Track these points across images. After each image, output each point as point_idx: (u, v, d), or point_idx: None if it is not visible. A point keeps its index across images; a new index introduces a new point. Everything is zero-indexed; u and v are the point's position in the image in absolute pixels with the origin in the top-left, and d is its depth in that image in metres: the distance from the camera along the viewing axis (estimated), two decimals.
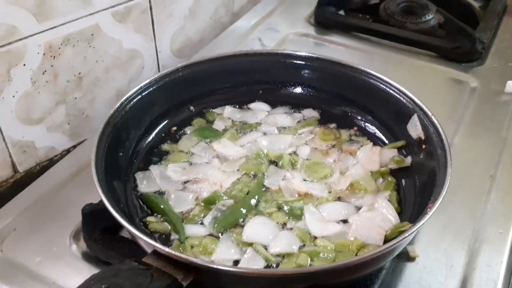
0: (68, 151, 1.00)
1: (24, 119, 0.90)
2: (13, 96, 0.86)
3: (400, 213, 0.73)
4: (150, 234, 0.69)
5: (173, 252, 0.54)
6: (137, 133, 0.82)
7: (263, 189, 0.76)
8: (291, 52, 0.92)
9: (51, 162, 0.98)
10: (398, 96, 0.81)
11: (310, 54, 0.90)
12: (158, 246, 0.55)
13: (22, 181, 0.93)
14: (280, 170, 0.79)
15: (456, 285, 0.70)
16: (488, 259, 0.73)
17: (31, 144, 0.93)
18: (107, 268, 0.52)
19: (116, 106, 0.76)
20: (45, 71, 0.90)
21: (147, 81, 0.82)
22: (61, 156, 0.99)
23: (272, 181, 0.77)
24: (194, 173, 0.78)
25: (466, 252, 0.74)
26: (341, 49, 1.19)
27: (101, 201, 0.71)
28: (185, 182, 0.78)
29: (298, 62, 0.90)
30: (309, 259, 0.65)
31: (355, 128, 0.88)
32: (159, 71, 1.14)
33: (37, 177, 0.92)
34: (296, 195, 0.74)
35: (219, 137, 0.85)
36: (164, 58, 1.15)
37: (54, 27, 0.88)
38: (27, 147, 0.93)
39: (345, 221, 0.72)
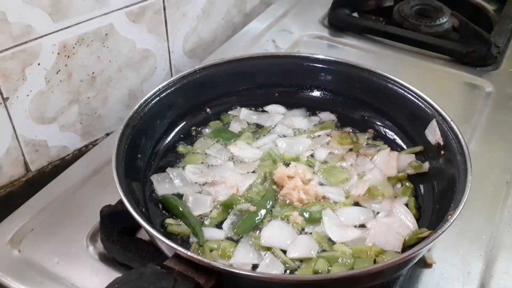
0: (80, 150, 1.01)
1: (38, 118, 0.90)
2: (27, 95, 0.87)
3: (418, 219, 0.73)
4: (169, 236, 0.69)
5: (195, 256, 0.54)
6: (155, 135, 0.82)
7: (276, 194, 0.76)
8: (309, 54, 0.91)
9: (63, 162, 0.98)
10: (417, 101, 0.81)
11: (327, 57, 0.90)
12: (180, 249, 0.55)
13: (34, 180, 0.94)
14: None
15: None
16: (505, 266, 0.73)
17: (44, 143, 0.94)
18: (131, 272, 0.52)
19: (135, 107, 0.76)
20: (59, 70, 0.90)
21: (165, 83, 0.82)
22: (73, 156, 1.00)
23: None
24: (211, 176, 0.78)
25: (483, 259, 0.74)
26: (354, 52, 1.19)
27: (119, 203, 0.72)
28: (202, 185, 0.78)
29: (315, 65, 0.90)
30: (327, 264, 0.65)
31: (370, 130, 0.88)
32: (171, 71, 1.15)
33: (49, 176, 0.93)
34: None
35: (235, 139, 0.85)
36: (177, 58, 1.15)
37: (69, 27, 0.89)
38: (39, 146, 0.93)
39: (363, 226, 0.72)
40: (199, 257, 0.54)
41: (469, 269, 0.73)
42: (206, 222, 0.72)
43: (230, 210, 0.73)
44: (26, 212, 0.80)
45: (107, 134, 1.05)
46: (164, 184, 0.77)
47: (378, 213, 0.74)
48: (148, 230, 0.59)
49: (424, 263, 0.73)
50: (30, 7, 0.81)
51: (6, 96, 0.84)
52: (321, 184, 0.78)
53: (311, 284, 0.56)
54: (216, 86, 0.89)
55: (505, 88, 1.08)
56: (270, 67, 0.91)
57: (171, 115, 0.84)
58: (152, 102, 0.80)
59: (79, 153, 1.01)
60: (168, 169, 0.80)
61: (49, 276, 0.70)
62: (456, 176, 0.69)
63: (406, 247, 0.68)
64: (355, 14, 1.32)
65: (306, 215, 0.72)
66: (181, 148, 0.84)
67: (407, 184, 0.78)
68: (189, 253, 0.55)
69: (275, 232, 0.69)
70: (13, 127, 0.87)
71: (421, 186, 0.78)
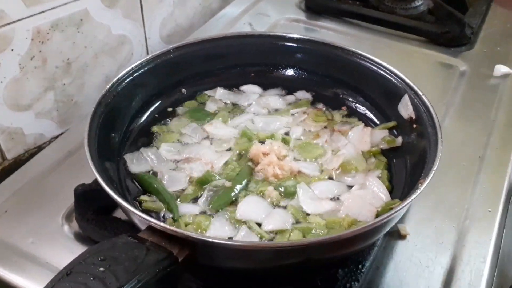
0: (56, 138, 0.99)
1: (12, 105, 0.89)
2: (1, 82, 0.86)
3: (391, 191, 0.74)
4: (145, 212, 0.69)
5: (168, 226, 0.54)
6: (129, 114, 0.81)
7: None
8: (283, 34, 0.92)
9: (39, 149, 0.97)
10: (389, 77, 0.82)
11: (302, 36, 0.90)
12: (154, 221, 0.55)
13: (11, 168, 0.93)
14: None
15: (446, 261, 0.71)
16: (477, 236, 0.75)
17: (20, 131, 0.93)
18: (103, 242, 0.52)
19: (108, 86, 0.76)
20: (34, 56, 0.89)
21: (138, 62, 0.82)
22: (50, 143, 0.98)
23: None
24: (186, 153, 0.78)
25: (456, 230, 0.75)
26: (331, 34, 1.20)
27: (93, 182, 0.72)
28: (177, 162, 0.78)
29: (290, 44, 0.91)
30: (302, 235, 0.66)
31: (344, 107, 0.89)
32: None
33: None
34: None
35: (211, 118, 0.85)
36: (154, 44, 1.14)
37: (43, 12, 0.87)
38: (15, 134, 0.92)
39: (337, 199, 0.73)
40: (171, 227, 0.54)
41: (442, 239, 0.74)
42: (182, 198, 0.72)
43: (205, 186, 0.73)
44: None
45: None
46: (138, 163, 0.77)
47: (351, 186, 0.74)
48: (121, 204, 0.59)
49: (399, 235, 0.74)
50: None
51: None
52: (296, 160, 0.78)
53: (284, 251, 0.57)
54: (190, 66, 0.89)
55: (478, 67, 1.10)
56: (245, 46, 0.91)
57: (145, 94, 0.84)
58: (125, 82, 0.79)
59: (55, 140, 0.99)
60: (142, 149, 0.79)
61: (23, 256, 0.70)
62: (427, 148, 0.70)
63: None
64: None
65: (281, 189, 0.72)
66: (155, 128, 0.84)
67: (380, 158, 0.79)
68: (161, 224, 0.55)
69: (250, 206, 0.69)
70: None
71: (394, 160, 0.79)
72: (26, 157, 0.96)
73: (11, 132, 0.91)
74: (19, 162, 0.94)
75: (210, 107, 0.89)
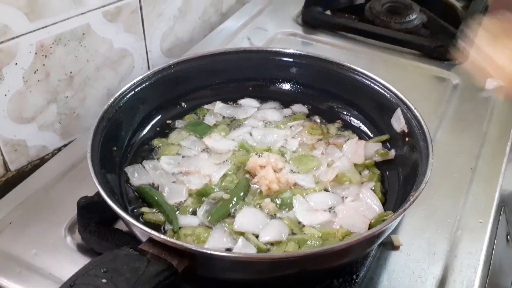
0: (59, 150, 1.01)
1: (16, 118, 0.91)
2: (5, 95, 0.87)
3: (384, 203, 0.76)
4: (145, 224, 0.71)
5: (168, 238, 0.56)
6: (131, 128, 0.84)
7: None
8: (280, 49, 0.94)
9: (42, 161, 0.98)
10: (382, 91, 0.84)
11: (298, 52, 0.93)
12: (154, 233, 0.57)
13: (14, 180, 0.94)
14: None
15: (438, 271, 0.73)
16: (468, 246, 0.77)
17: (23, 143, 0.94)
18: (105, 254, 0.54)
19: (110, 101, 0.78)
20: (37, 70, 0.91)
21: (140, 77, 0.84)
22: (53, 155, 1.00)
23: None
24: (185, 165, 0.80)
25: (448, 241, 0.77)
26: (328, 48, 1.22)
27: (96, 194, 0.74)
28: (177, 174, 0.80)
29: (286, 59, 0.93)
30: (297, 247, 0.68)
31: (339, 121, 0.91)
32: (149, 70, 1.15)
33: (29, 175, 0.92)
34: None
35: (210, 132, 0.88)
36: (154, 57, 1.16)
37: (46, 26, 0.89)
38: (18, 146, 0.94)
39: (332, 211, 0.75)
40: (171, 239, 0.56)
41: (435, 250, 0.76)
42: (181, 210, 0.74)
43: (204, 198, 0.75)
44: (3, 206, 0.81)
45: None
46: (139, 175, 0.79)
47: (346, 198, 0.76)
48: (122, 216, 0.61)
49: (392, 246, 0.76)
50: (6, 6, 0.82)
51: None
52: (292, 172, 0.80)
53: (280, 262, 0.59)
54: (190, 80, 0.91)
55: (471, 80, 1.11)
56: (242, 61, 0.93)
57: (146, 108, 0.86)
58: (127, 96, 0.81)
59: (58, 153, 1.00)
60: (144, 161, 0.81)
61: (27, 267, 0.71)
62: (419, 161, 0.72)
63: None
64: (328, 12, 1.35)
65: (278, 201, 0.74)
66: (156, 141, 0.86)
67: (374, 170, 0.81)
68: (162, 236, 0.57)
69: (248, 218, 0.71)
70: None
71: (388, 173, 0.81)
72: (29, 169, 0.97)
73: (14, 144, 0.93)
74: (22, 174, 0.96)
75: (209, 120, 0.91)
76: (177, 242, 0.57)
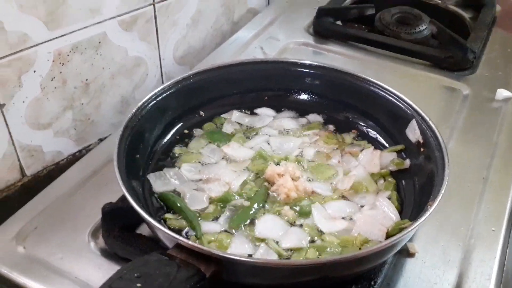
0: (74, 155, 1.03)
1: (33, 124, 0.93)
2: (23, 102, 0.90)
3: (400, 212, 0.78)
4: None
5: (196, 244, 0.58)
6: (152, 137, 0.85)
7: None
8: (296, 60, 0.96)
9: (57, 166, 1.00)
10: (397, 103, 0.86)
11: (314, 63, 0.94)
12: (182, 239, 0.59)
13: (30, 184, 0.96)
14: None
15: (453, 278, 0.75)
16: (482, 254, 0.78)
17: (39, 148, 0.96)
18: (136, 260, 0.56)
19: (133, 110, 0.80)
20: (54, 77, 0.93)
21: (161, 87, 0.86)
22: (67, 161, 1.02)
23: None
24: (206, 173, 0.82)
25: (462, 249, 0.79)
26: (338, 58, 1.23)
27: (119, 200, 0.76)
28: (198, 181, 0.82)
29: (303, 70, 0.95)
30: (317, 254, 0.70)
31: (354, 130, 0.93)
32: (162, 78, 1.18)
33: (44, 180, 0.95)
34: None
35: (228, 140, 0.90)
36: (167, 65, 1.18)
37: (64, 35, 0.91)
38: (35, 151, 0.95)
39: (349, 219, 0.76)
40: (199, 246, 0.58)
41: (449, 258, 0.77)
42: (203, 217, 0.75)
43: (225, 205, 0.77)
44: (28, 212, 0.82)
45: (100, 140, 1.08)
46: (161, 182, 0.81)
47: (363, 206, 0.78)
48: (151, 222, 0.63)
49: (408, 253, 0.77)
50: (26, 16, 0.84)
51: (2, 103, 0.86)
52: (309, 180, 0.82)
53: (303, 269, 0.61)
54: (209, 90, 0.93)
55: (481, 91, 1.13)
56: (259, 72, 0.95)
57: (167, 118, 0.88)
58: (149, 106, 0.83)
59: (73, 158, 1.03)
60: (165, 169, 0.83)
61: (54, 271, 0.73)
62: (434, 171, 0.74)
63: (389, 237, 0.72)
64: (339, 23, 1.37)
65: (297, 208, 0.76)
66: (177, 150, 0.88)
67: (389, 179, 0.83)
68: (190, 242, 0.59)
69: (268, 225, 0.73)
70: (9, 133, 0.89)
71: (403, 182, 0.83)
72: (44, 174, 0.99)
73: (31, 149, 0.95)
74: (37, 179, 0.98)
75: (227, 128, 0.93)
76: (204, 248, 0.58)
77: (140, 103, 0.82)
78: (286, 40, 1.29)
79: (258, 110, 0.97)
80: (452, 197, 0.85)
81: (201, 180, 0.82)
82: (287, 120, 0.95)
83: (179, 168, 0.84)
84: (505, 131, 1.02)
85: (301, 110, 0.97)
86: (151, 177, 0.81)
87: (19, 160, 0.94)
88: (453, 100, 1.11)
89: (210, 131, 0.92)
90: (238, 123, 0.95)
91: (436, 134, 0.78)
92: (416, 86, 1.14)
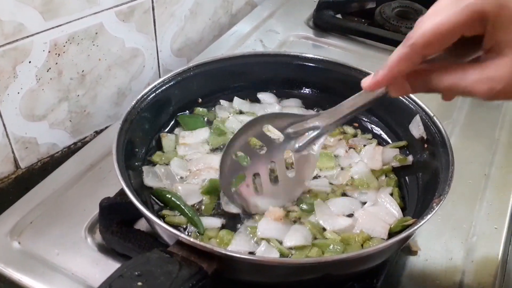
0: (69, 147, 1.02)
1: (28, 116, 0.91)
2: (18, 93, 0.88)
3: (404, 209, 0.77)
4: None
5: (198, 242, 0.57)
6: (152, 130, 0.84)
7: None
8: (299, 53, 0.94)
9: (52, 159, 0.99)
10: (401, 98, 0.85)
11: (317, 56, 0.93)
12: (183, 236, 0.58)
13: (24, 177, 0.95)
14: None
15: (455, 276, 0.74)
16: (484, 252, 0.78)
17: (34, 140, 0.95)
18: (138, 257, 0.55)
19: (133, 103, 0.78)
20: (50, 68, 0.91)
21: (161, 79, 0.84)
22: (62, 153, 1.01)
23: None
24: (194, 165, 0.80)
25: (464, 246, 0.78)
26: (338, 51, 1.22)
27: (117, 195, 0.75)
28: (189, 175, 0.80)
29: (305, 63, 0.93)
30: (320, 252, 0.69)
31: (355, 124, 0.91)
32: (159, 70, 1.17)
33: (38, 173, 0.94)
34: None
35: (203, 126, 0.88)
36: (165, 57, 1.17)
37: (60, 25, 0.90)
38: (29, 143, 0.94)
39: (351, 216, 0.75)
40: (201, 243, 0.57)
41: (451, 255, 0.77)
42: (203, 210, 0.75)
43: (218, 192, 0.75)
44: (23, 206, 0.81)
45: (96, 132, 1.07)
46: (153, 176, 0.78)
47: (365, 203, 0.77)
48: (151, 218, 0.61)
49: (410, 250, 0.77)
50: (22, 6, 0.82)
51: None
52: None
53: (306, 267, 0.60)
54: (208, 83, 0.91)
55: None
56: (261, 65, 0.93)
57: (166, 110, 0.87)
58: (148, 98, 0.81)
59: (68, 151, 1.02)
60: (157, 166, 0.81)
61: (50, 267, 0.72)
62: (439, 168, 0.73)
63: (391, 233, 0.72)
64: (339, 16, 1.36)
65: (301, 206, 0.75)
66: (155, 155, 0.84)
67: (391, 175, 0.82)
68: (191, 239, 0.57)
69: (270, 225, 0.71)
70: (4, 124, 0.88)
71: (407, 178, 0.82)
72: (39, 166, 0.98)
73: (25, 141, 0.93)
74: (32, 171, 0.96)
75: (220, 114, 0.91)
76: (207, 245, 0.57)
77: (139, 96, 0.80)
78: (286, 33, 1.27)
79: (260, 95, 0.95)
80: (454, 194, 0.84)
81: (191, 173, 0.80)
82: (289, 109, 0.93)
83: (168, 165, 0.81)
84: (507, 127, 1.02)
85: (303, 103, 0.96)
86: (145, 169, 0.79)
87: (13, 152, 0.92)
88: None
89: (183, 116, 0.90)
90: (238, 109, 0.93)
91: (441, 130, 0.76)
92: None
